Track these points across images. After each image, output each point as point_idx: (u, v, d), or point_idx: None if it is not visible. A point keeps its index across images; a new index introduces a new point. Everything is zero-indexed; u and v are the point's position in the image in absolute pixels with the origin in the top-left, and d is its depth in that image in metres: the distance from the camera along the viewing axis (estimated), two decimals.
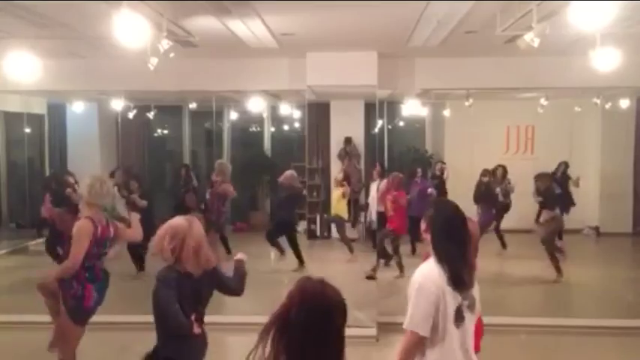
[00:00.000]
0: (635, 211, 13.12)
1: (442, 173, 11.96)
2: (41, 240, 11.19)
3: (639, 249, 12.57)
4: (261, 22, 6.11)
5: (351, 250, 10.39)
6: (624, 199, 12.93)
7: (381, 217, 9.65)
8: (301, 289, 2.13)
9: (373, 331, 6.75)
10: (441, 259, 3.02)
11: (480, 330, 3.67)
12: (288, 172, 9.98)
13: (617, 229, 12.68)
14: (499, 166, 11.25)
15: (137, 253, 8.91)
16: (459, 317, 3.02)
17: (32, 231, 12.22)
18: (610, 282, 9.49)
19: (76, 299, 4.74)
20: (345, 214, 10.54)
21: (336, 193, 10.61)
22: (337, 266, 9.97)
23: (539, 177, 9.58)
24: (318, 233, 12.61)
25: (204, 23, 6.03)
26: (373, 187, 10.00)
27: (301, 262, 9.67)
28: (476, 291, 3.17)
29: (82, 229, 4.63)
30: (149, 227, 8.62)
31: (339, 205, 10.53)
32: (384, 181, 9.77)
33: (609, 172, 12.80)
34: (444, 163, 12.05)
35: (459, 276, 3.00)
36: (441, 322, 3.00)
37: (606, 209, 12.84)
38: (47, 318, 7.08)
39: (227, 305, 7.70)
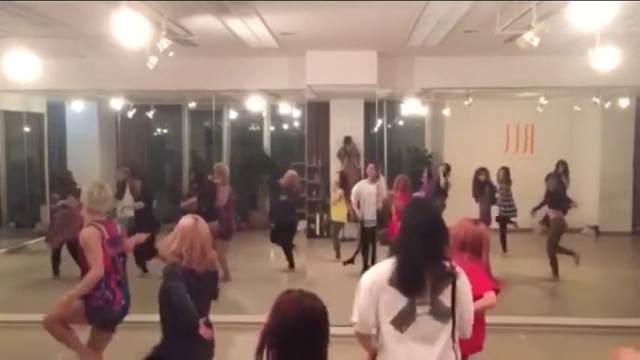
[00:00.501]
0: (634, 211, 13.13)
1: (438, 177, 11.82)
2: (40, 239, 11.22)
3: (639, 248, 12.58)
4: (260, 22, 6.11)
5: (338, 254, 10.47)
6: (624, 198, 12.94)
7: (379, 215, 9.64)
8: (278, 304, 2.22)
9: None
10: (397, 256, 2.91)
11: (480, 331, 3.63)
12: (290, 172, 9.98)
13: (617, 228, 12.70)
14: (502, 168, 11.18)
15: (143, 253, 8.86)
16: (402, 320, 2.85)
17: (32, 230, 12.24)
18: (609, 281, 9.51)
19: (105, 303, 4.66)
20: (342, 218, 10.58)
21: (334, 197, 10.71)
22: (335, 266, 9.98)
23: (547, 177, 9.62)
24: (318, 232, 12.63)
25: (204, 22, 6.02)
26: (366, 187, 9.88)
27: (291, 264, 9.68)
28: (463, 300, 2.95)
29: (88, 237, 4.60)
30: (151, 225, 8.64)
31: (336, 210, 10.61)
32: (380, 180, 9.75)
33: (609, 172, 12.82)
34: (448, 170, 11.80)
35: (410, 277, 2.84)
36: (379, 321, 2.90)
37: (606, 208, 12.85)
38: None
39: (227, 304, 7.70)
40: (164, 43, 5.40)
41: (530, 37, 5.10)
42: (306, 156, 11.30)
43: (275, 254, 10.71)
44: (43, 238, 11.06)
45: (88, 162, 12.76)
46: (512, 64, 7.88)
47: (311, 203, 12.24)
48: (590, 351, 6.34)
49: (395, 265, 2.88)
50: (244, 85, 8.92)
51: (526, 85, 8.92)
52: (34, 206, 13.02)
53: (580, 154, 12.77)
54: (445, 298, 2.89)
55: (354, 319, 2.95)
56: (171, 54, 5.60)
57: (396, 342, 2.88)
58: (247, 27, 6.31)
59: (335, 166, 12.34)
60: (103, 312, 4.69)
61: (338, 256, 10.45)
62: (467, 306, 3.00)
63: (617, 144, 12.91)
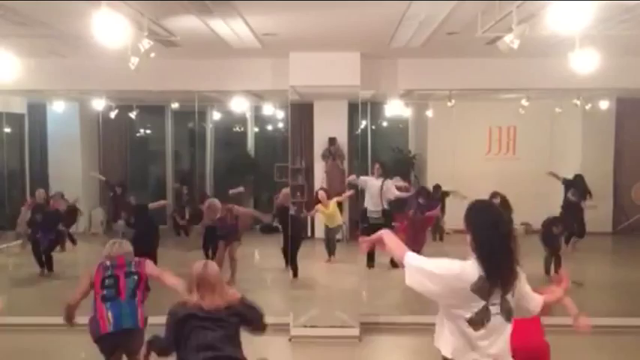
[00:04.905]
0: (615, 211, 13.28)
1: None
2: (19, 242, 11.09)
3: (620, 248, 12.73)
4: (243, 22, 6.09)
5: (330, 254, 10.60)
6: (604, 199, 13.07)
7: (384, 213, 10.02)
8: None
9: (356, 331, 6.77)
10: (482, 258, 2.95)
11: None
12: (285, 191, 10.10)
13: (598, 228, 12.79)
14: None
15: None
16: (479, 320, 2.94)
17: (12, 232, 12.06)
18: (593, 280, 9.61)
19: (93, 323, 4.60)
20: (335, 223, 10.75)
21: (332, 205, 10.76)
22: (321, 266, 9.99)
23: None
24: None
25: (186, 23, 5.99)
26: (371, 183, 10.11)
27: (287, 263, 9.68)
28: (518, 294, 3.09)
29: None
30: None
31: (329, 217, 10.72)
32: (387, 182, 10.11)
33: (590, 173, 12.92)
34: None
35: (498, 274, 2.93)
36: (453, 312, 2.97)
37: (587, 209, 12.96)
38: (27, 320, 7.02)
39: None
40: (145, 43, 5.37)
41: (511, 40, 5.14)
42: (289, 157, 11.29)
43: (261, 255, 10.71)
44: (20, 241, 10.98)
45: (70, 163, 12.63)
46: (494, 65, 7.93)
47: (294, 204, 12.22)
48: (570, 351, 6.41)
49: (484, 264, 2.94)
50: (227, 86, 8.89)
51: (508, 86, 8.98)
52: (14, 208, 12.84)
53: (561, 156, 12.89)
54: (509, 296, 3.00)
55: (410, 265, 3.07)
56: (152, 55, 5.56)
57: (466, 338, 2.96)
58: (229, 27, 6.29)
59: (319, 167, 12.34)
60: (95, 333, 4.61)
61: (331, 254, 10.58)
62: (529, 294, 3.20)
63: (598, 145, 13.05)
